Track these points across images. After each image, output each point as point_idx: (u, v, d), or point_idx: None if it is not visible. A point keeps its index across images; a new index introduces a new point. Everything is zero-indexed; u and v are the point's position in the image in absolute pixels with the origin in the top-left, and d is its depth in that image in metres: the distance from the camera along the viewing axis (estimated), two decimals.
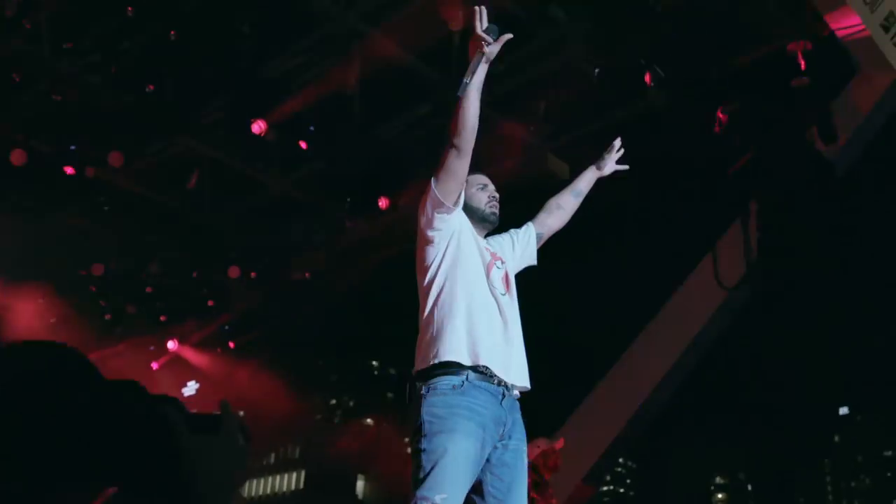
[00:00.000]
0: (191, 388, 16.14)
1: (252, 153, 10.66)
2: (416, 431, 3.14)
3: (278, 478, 53.07)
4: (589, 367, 12.03)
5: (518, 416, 3.34)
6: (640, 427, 11.72)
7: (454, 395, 3.13)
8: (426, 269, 3.38)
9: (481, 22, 3.14)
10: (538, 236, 3.79)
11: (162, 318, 13.38)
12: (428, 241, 3.38)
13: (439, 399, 3.13)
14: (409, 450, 3.20)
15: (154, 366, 14.34)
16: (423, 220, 3.38)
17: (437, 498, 2.97)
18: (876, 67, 9.35)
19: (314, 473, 50.55)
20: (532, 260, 3.79)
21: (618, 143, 4.07)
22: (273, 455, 53.42)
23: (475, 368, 3.18)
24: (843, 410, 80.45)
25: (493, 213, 3.57)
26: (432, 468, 3.02)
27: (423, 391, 3.18)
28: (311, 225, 12.02)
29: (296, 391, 16.44)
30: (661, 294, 11.13)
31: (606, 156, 4.03)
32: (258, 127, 9.51)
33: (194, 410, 1.47)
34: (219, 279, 12.55)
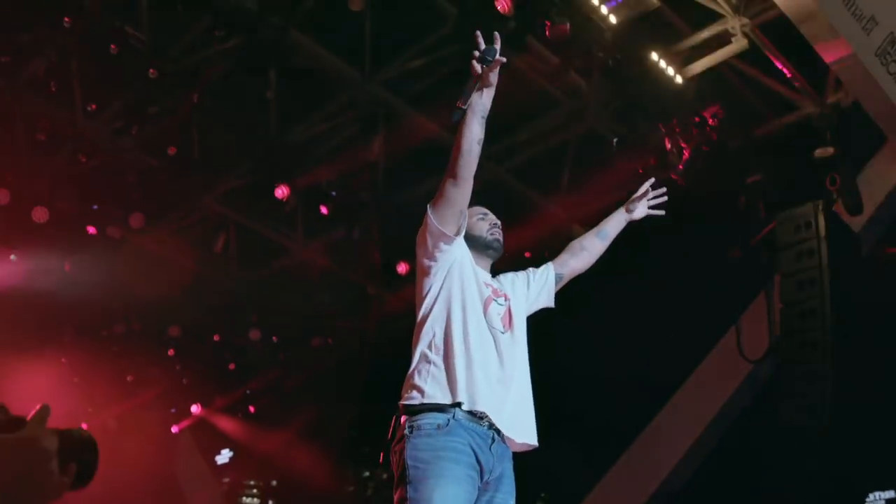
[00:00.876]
0: (224, 457, 16.07)
1: (277, 218, 10.75)
2: (401, 478, 2.95)
3: None
4: (611, 441, 11.79)
5: (509, 467, 3.13)
6: (664, 502, 11.43)
7: (439, 436, 2.94)
8: (422, 301, 3.24)
9: (478, 45, 2.99)
10: (558, 277, 3.60)
11: (184, 381, 13.36)
12: (425, 273, 3.25)
13: (423, 441, 2.94)
14: (395, 497, 2.97)
15: (174, 429, 14.29)
16: (420, 252, 3.26)
17: None
18: None
19: None
20: (549, 302, 3.59)
21: (648, 185, 3.84)
22: None
23: (463, 408, 3.00)
24: (889, 495, 77.91)
25: (497, 241, 3.42)
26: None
27: (406, 431, 3.00)
28: (335, 292, 12.04)
29: (329, 462, 16.32)
30: (685, 368, 10.95)
31: (637, 199, 3.81)
32: (281, 192, 9.58)
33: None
34: (241, 343, 12.54)
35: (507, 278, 3.53)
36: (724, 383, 10.48)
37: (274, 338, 12.38)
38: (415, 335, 3.22)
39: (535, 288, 3.54)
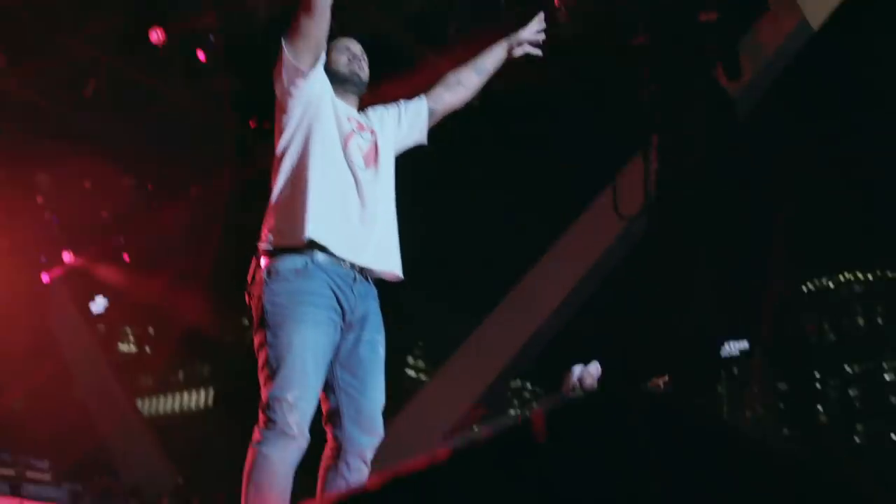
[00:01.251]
0: (99, 305, 15.68)
1: (152, 64, 10.22)
2: (260, 323, 2.91)
3: (186, 395, 52.72)
4: (488, 291, 12.10)
5: (374, 305, 3.10)
6: (534, 352, 11.89)
7: (298, 280, 2.90)
8: (279, 137, 3.11)
9: None
10: (430, 111, 3.47)
11: (55, 230, 12.92)
12: (282, 109, 3.11)
13: (282, 286, 2.90)
14: (254, 341, 2.94)
15: (45, 279, 13.91)
16: (277, 87, 3.09)
17: (290, 396, 2.79)
18: (784, 7, 9.43)
19: (224, 392, 50.25)
20: (422, 138, 3.47)
21: (540, 20, 3.61)
22: (181, 372, 53.01)
23: (321, 249, 2.93)
24: (742, 345, 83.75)
25: (356, 74, 3.27)
26: (280, 364, 2.83)
27: (264, 275, 2.94)
28: (213, 141, 11.68)
29: (207, 310, 16.19)
30: (562, 222, 11.21)
31: (523, 32, 3.60)
32: (156, 36, 9.08)
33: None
34: (114, 190, 12.15)
35: (377, 112, 3.38)
36: (598, 239, 10.78)
37: (149, 185, 12.02)
38: (272, 173, 3.08)
39: (406, 122, 3.39)
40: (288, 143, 3.08)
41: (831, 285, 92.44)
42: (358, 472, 2.97)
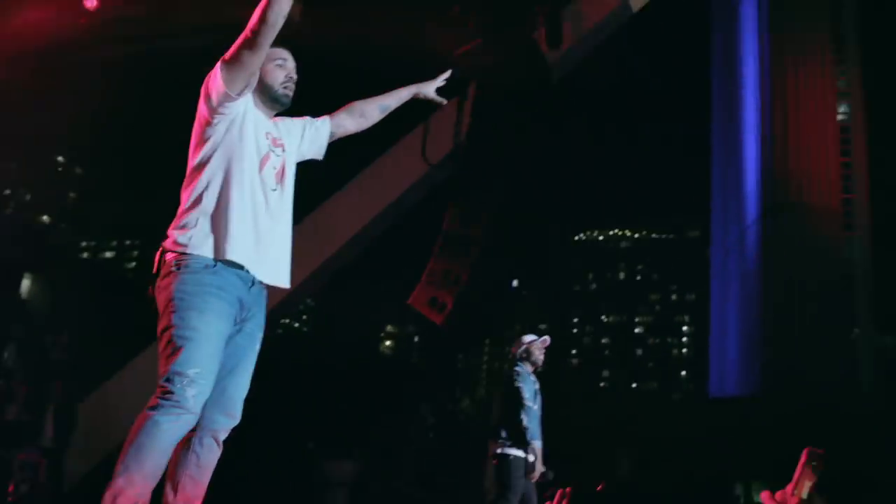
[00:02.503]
0: None
1: None
2: (166, 309, 3.02)
3: None
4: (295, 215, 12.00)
5: (263, 304, 3.26)
6: (322, 279, 12.01)
7: (207, 274, 3.03)
8: (197, 150, 3.18)
9: None
10: (331, 134, 3.58)
11: None
12: (205, 123, 3.17)
13: (191, 276, 3.02)
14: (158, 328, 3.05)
15: None
16: (203, 101, 3.15)
17: (191, 372, 2.90)
18: None
19: None
20: (318, 155, 3.60)
21: (447, 75, 3.80)
22: None
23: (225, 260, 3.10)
24: (514, 283, 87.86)
25: (286, 96, 3.35)
26: (184, 344, 2.94)
27: (173, 268, 3.05)
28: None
29: None
30: (368, 157, 11.26)
31: (430, 85, 3.75)
32: None
33: None
34: None
35: (285, 125, 3.46)
36: (400, 177, 10.94)
37: None
38: (186, 179, 3.18)
39: (308, 140, 3.51)
40: (208, 157, 3.16)
41: (601, 238, 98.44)
42: (209, 449, 3.12)
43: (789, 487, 5.49)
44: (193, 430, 3.05)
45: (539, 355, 6.55)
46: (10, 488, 10.04)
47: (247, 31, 3.00)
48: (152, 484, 2.89)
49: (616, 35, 10.98)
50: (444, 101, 3.82)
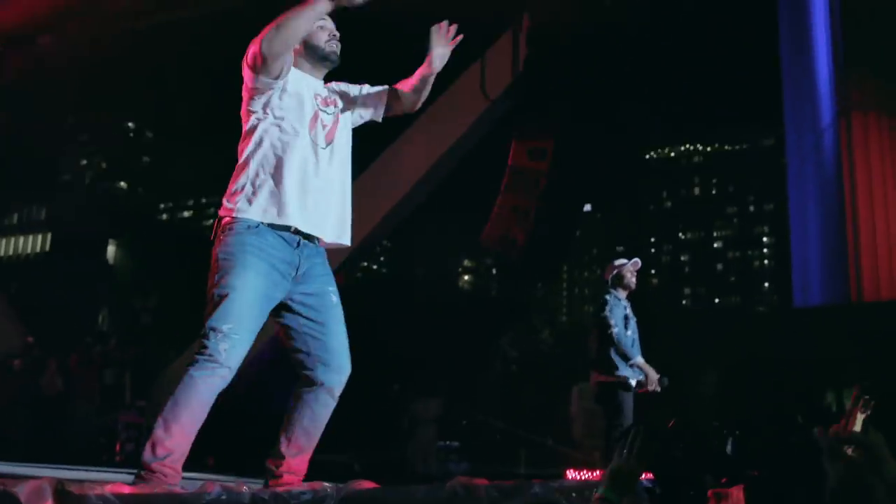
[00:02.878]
0: None
1: None
2: (210, 269, 3.15)
3: (21, 239, 50.66)
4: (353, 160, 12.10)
5: (320, 261, 3.35)
6: (395, 221, 12.12)
7: (248, 234, 3.13)
8: (247, 115, 3.27)
9: None
10: (387, 107, 3.62)
11: None
12: (250, 94, 3.26)
13: (233, 238, 3.13)
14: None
15: None
16: (245, 73, 3.24)
17: (225, 327, 3.01)
18: None
19: (61, 236, 48.58)
20: (377, 116, 3.62)
21: (444, 28, 3.52)
22: (16, 215, 50.73)
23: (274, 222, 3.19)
24: (587, 208, 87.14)
25: (334, 53, 3.41)
26: (221, 301, 3.05)
27: (220, 232, 3.18)
28: None
29: (44, 148, 15.43)
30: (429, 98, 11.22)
31: (435, 45, 3.50)
32: None
33: None
34: None
35: (339, 87, 3.52)
36: (462, 115, 10.92)
37: None
38: (240, 145, 3.28)
39: (364, 100, 3.54)
40: (256, 122, 3.24)
41: (672, 155, 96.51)
42: (324, 404, 3.28)
43: (842, 423, 5.27)
44: (310, 388, 3.24)
45: (631, 278, 6.64)
46: (118, 447, 10.54)
47: (272, 44, 3.08)
48: (189, 435, 3.02)
49: None
50: (448, 45, 3.60)
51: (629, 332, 6.40)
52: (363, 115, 3.58)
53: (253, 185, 3.18)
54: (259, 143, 3.22)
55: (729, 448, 5.35)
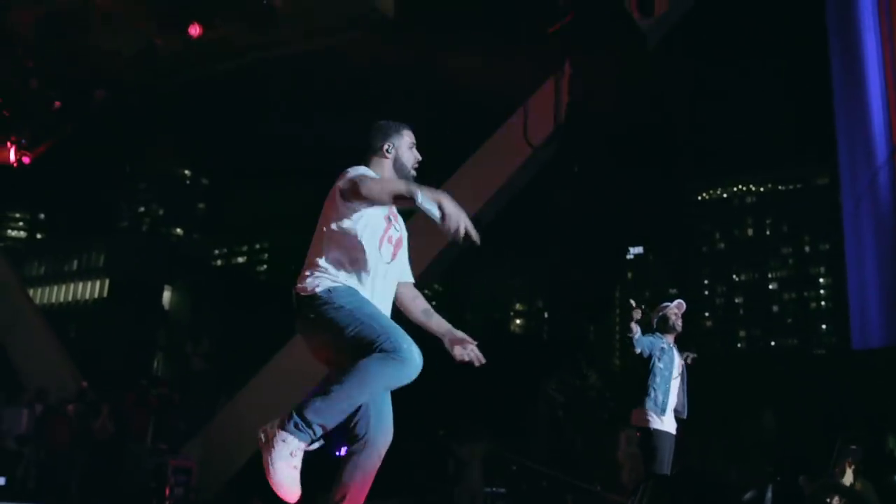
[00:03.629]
0: None
1: None
2: (330, 323, 3.28)
3: (80, 285, 51.78)
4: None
5: None
6: (442, 267, 12.20)
7: (348, 289, 3.33)
8: (330, 217, 3.46)
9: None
10: (403, 285, 3.74)
11: None
12: (338, 207, 3.44)
13: (342, 290, 3.32)
14: (313, 328, 3.35)
15: None
16: (334, 194, 3.43)
17: (399, 343, 3.17)
18: None
19: (119, 282, 49.58)
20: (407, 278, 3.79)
21: (466, 347, 3.74)
22: (76, 262, 51.92)
23: None
24: (637, 250, 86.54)
25: (414, 175, 3.63)
26: (360, 322, 3.23)
27: (321, 293, 3.33)
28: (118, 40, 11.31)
29: (101, 198, 15.86)
30: (471, 144, 11.37)
31: (456, 343, 3.72)
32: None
33: None
34: (15, 89, 11.69)
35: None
36: (506, 163, 11.00)
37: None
38: (315, 238, 3.48)
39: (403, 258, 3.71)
40: (338, 225, 3.43)
41: (725, 195, 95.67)
42: (373, 465, 3.41)
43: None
44: (361, 447, 3.39)
45: (676, 320, 6.41)
46: (167, 492, 10.68)
47: (376, 195, 3.28)
48: (341, 417, 3.20)
49: None
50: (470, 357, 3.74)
51: (672, 376, 6.22)
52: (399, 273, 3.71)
53: (339, 269, 3.40)
54: (338, 248, 3.43)
55: (769, 496, 5.23)
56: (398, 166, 3.60)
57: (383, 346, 3.16)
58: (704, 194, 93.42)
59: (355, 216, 3.42)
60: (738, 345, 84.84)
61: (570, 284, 11.00)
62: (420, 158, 3.67)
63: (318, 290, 3.36)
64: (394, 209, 3.55)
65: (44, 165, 13.78)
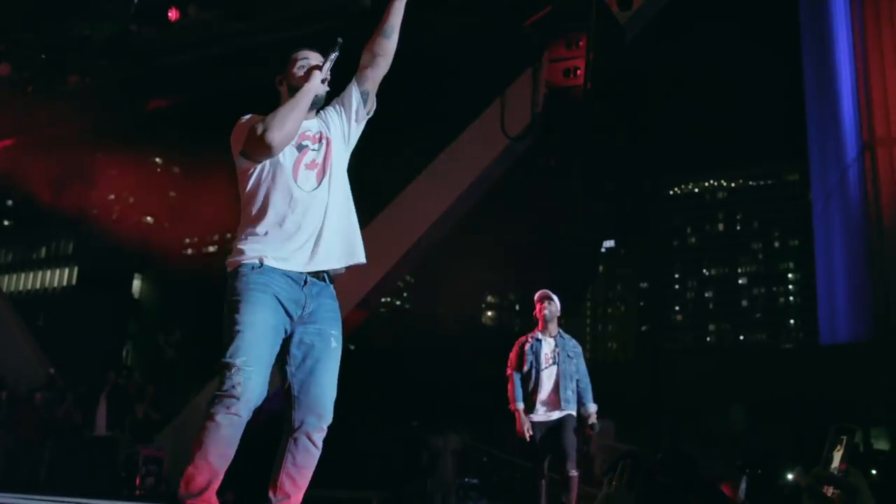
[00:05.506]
0: None
1: None
2: (223, 312, 3.21)
3: (49, 273, 51.24)
4: (371, 200, 12.22)
5: (328, 301, 3.35)
6: (416, 258, 12.18)
7: (252, 273, 3.21)
8: (242, 178, 3.35)
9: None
10: (364, 94, 3.54)
11: None
12: (237, 164, 3.36)
13: (240, 280, 3.21)
14: None
15: None
16: (238, 158, 3.33)
17: (238, 361, 3.06)
18: None
19: (87, 270, 49.10)
20: (365, 116, 3.58)
21: None
22: (44, 249, 51.37)
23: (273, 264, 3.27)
24: (609, 244, 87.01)
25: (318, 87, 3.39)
26: (233, 338, 3.11)
27: (229, 278, 3.26)
28: (93, 23, 11.15)
29: (74, 183, 15.64)
30: (448, 135, 11.34)
31: None
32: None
33: None
34: None
35: (326, 114, 3.53)
36: (482, 154, 10.99)
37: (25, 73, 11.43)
38: (242, 201, 3.37)
39: (347, 117, 3.54)
40: (246, 181, 3.32)
41: (696, 190, 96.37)
42: (305, 449, 3.25)
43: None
44: (290, 432, 3.24)
45: (538, 312, 6.54)
46: (137, 481, 10.60)
47: (269, 136, 3.19)
48: (219, 469, 3.07)
49: None
50: None
51: (534, 370, 6.39)
52: (357, 127, 3.58)
53: (250, 240, 3.27)
54: (252, 198, 3.31)
55: (743, 487, 5.29)
56: (291, 88, 3.40)
57: (220, 378, 3.08)
58: (676, 189, 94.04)
59: (255, 169, 3.31)
60: (708, 339, 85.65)
61: (543, 278, 11.00)
62: (314, 63, 3.41)
63: (229, 268, 3.29)
64: (312, 130, 3.41)
65: (11, 152, 13.63)
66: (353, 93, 3.55)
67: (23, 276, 51.26)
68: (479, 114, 10.94)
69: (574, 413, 6.31)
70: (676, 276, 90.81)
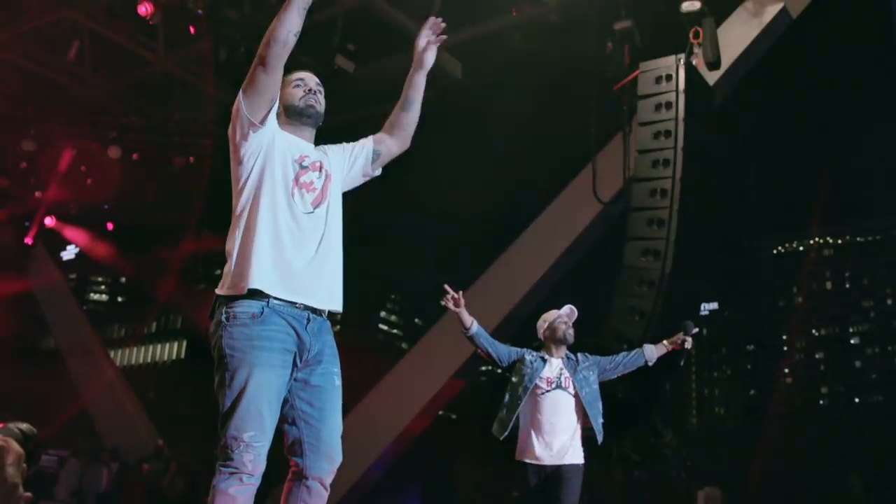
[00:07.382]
0: (70, 253, 15.80)
1: (136, 28, 10.26)
2: (219, 364, 3.03)
3: (159, 347, 52.83)
4: (469, 265, 12.32)
5: (329, 338, 3.21)
6: (516, 321, 12.17)
7: (254, 325, 3.01)
8: (236, 190, 3.18)
9: None
10: (375, 153, 3.48)
11: (37, 195, 13.01)
12: (237, 160, 3.17)
13: (239, 331, 3.01)
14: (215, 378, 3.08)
15: (28, 240, 14.05)
16: (232, 138, 3.14)
17: (246, 437, 2.91)
18: None
19: (196, 343, 50.42)
20: (370, 173, 3.51)
21: (429, 23, 3.48)
22: (154, 324, 53.03)
23: (274, 297, 3.05)
24: (712, 305, 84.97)
25: (311, 107, 3.30)
26: (236, 405, 2.95)
27: (223, 318, 3.04)
28: (196, 107, 11.71)
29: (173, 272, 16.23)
30: (541, 201, 11.42)
31: (419, 42, 3.45)
32: (145, 9, 9.17)
33: None
34: (99, 159, 12.16)
35: (332, 150, 3.46)
36: (575, 219, 11.01)
37: (134, 155, 12.03)
38: (232, 221, 3.19)
39: (352, 163, 3.47)
40: (241, 193, 3.17)
41: (801, 249, 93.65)
42: (318, 495, 3.12)
43: None
44: (300, 479, 3.10)
45: (567, 330, 5.20)
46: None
47: (259, 54, 3.02)
48: None
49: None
50: (444, 38, 3.52)
51: (525, 390, 5.15)
52: (356, 178, 3.51)
53: (240, 263, 3.08)
54: (247, 214, 3.14)
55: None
56: (286, 108, 3.28)
57: (228, 453, 2.92)
58: (780, 248, 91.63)
59: (257, 169, 3.12)
60: (820, 402, 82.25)
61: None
62: (313, 87, 3.33)
63: (220, 305, 3.06)
64: (307, 153, 3.28)
65: (119, 232, 14.27)
66: (367, 145, 3.52)
67: (135, 350, 52.94)
68: (571, 179, 11.00)
69: (581, 462, 5.00)
70: (784, 337, 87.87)
